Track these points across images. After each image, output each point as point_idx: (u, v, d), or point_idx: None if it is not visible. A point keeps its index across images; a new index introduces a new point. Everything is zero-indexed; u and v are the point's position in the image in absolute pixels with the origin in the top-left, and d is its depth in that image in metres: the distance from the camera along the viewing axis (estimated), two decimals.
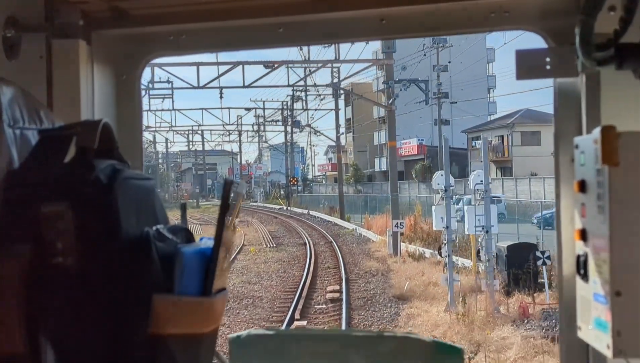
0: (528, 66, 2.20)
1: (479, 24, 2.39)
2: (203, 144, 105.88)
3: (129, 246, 1.08)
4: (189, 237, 1.21)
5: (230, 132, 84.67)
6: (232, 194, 1.15)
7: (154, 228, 1.14)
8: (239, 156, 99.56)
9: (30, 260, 1.04)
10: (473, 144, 78.45)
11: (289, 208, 71.92)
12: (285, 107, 70.35)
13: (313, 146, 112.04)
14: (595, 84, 2.10)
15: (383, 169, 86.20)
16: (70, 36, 2.27)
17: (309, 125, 67.78)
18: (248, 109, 62.87)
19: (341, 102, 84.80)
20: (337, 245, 34.28)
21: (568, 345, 2.21)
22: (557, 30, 2.22)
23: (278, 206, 75.76)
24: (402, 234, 29.93)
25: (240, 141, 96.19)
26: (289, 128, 76.61)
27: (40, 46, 2.25)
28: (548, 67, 2.17)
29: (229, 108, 63.24)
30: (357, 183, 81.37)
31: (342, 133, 55.14)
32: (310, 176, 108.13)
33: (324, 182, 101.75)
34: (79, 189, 1.07)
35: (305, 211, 63.42)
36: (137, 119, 2.56)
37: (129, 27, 2.41)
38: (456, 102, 68.73)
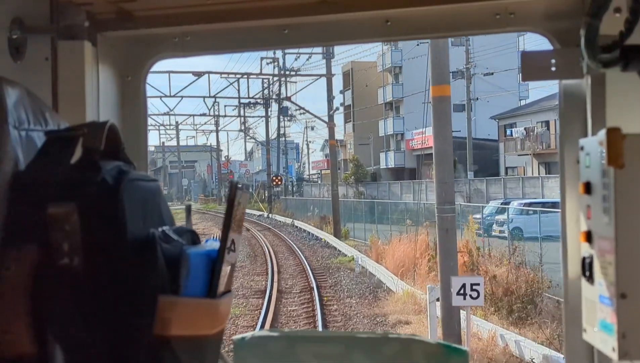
0: (534, 67, 2.22)
1: (484, 26, 2.39)
2: (177, 136, 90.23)
3: (134, 248, 1.08)
4: (194, 239, 1.21)
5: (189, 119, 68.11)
6: (238, 196, 1.16)
7: (160, 229, 1.14)
8: (217, 152, 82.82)
9: (37, 261, 1.05)
10: (508, 133, 61.37)
11: (270, 215, 55.53)
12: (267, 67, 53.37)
13: (309, 142, 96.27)
14: (600, 85, 2.11)
15: (390, 166, 69.68)
16: (76, 38, 2.28)
17: (288, 98, 51.04)
18: (198, 75, 45.25)
19: (339, 83, 68.45)
20: (323, 301, 17.79)
21: (573, 347, 2.20)
22: (562, 31, 2.23)
23: (259, 213, 59.52)
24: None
25: (217, 131, 79.69)
26: (273, 111, 60.11)
27: (45, 47, 2.25)
28: (553, 68, 2.18)
29: (168, 72, 43.22)
30: (358, 183, 64.89)
31: (338, 109, 38.56)
32: (306, 176, 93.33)
33: (319, 182, 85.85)
34: (85, 191, 1.07)
35: (289, 221, 47.28)
36: (142, 120, 2.56)
37: (134, 29, 2.42)
38: (492, 73, 51.93)
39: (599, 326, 1.85)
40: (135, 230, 1.08)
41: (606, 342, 1.81)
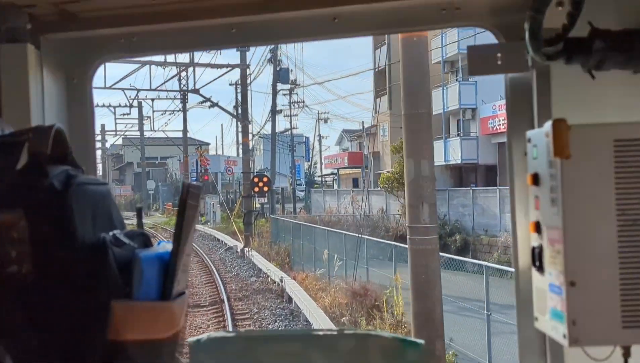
0: (480, 61, 2.27)
1: (431, 21, 2.44)
2: (141, 122, 64.36)
3: (85, 253, 1.07)
4: (146, 241, 1.20)
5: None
6: (190, 197, 1.12)
7: (111, 233, 1.13)
8: (184, 144, 56.25)
9: None
10: None
11: (247, 249, 28.84)
12: None
13: (323, 137, 71.32)
14: (545, 78, 2.17)
15: (453, 163, 42.61)
16: (18, 40, 2.27)
17: None
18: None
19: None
20: None
21: (525, 336, 2.27)
22: (507, 26, 2.29)
23: (233, 243, 33.05)
24: None
25: (184, 110, 53.35)
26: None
27: None
28: (500, 62, 2.23)
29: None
30: (398, 191, 37.99)
31: None
32: (318, 179, 69.88)
33: (334, 187, 59.08)
34: (32, 196, 1.06)
35: (278, 279, 20.90)
36: (88, 122, 2.55)
37: (78, 30, 2.40)
38: None
39: (550, 314, 1.91)
40: (85, 235, 1.07)
41: (557, 330, 1.87)
